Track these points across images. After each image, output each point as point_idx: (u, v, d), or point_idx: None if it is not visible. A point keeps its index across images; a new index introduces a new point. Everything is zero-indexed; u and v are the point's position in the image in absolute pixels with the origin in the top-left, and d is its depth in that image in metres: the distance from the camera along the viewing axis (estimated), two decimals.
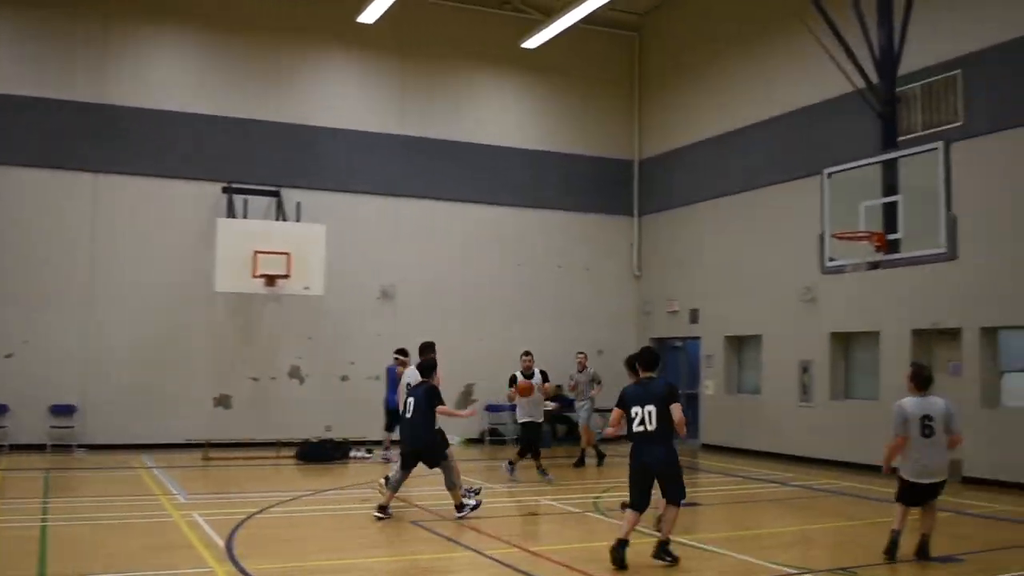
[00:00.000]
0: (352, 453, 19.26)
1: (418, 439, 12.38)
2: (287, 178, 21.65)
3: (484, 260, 23.60)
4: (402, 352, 18.44)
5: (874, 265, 12.95)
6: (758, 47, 21.61)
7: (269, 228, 20.29)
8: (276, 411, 20.93)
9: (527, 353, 16.94)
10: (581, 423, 19.21)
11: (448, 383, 20.68)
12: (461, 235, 23.40)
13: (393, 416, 18.47)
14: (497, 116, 24.24)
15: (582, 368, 19.15)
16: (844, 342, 19.29)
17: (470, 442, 22.50)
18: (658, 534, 9.65)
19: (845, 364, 19.21)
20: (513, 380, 16.47)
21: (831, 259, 13.21)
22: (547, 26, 21.60)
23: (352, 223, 21.99)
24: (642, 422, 9.45)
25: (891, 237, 12.24)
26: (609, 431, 10.21)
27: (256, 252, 19.20)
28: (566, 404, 22.89)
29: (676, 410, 9.45)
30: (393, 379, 18.74)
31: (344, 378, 21.75)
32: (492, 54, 24.11)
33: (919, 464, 9.75)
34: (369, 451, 19.57)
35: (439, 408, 12.36)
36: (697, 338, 23.28)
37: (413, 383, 13.09)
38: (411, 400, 12.49)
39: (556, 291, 24.34)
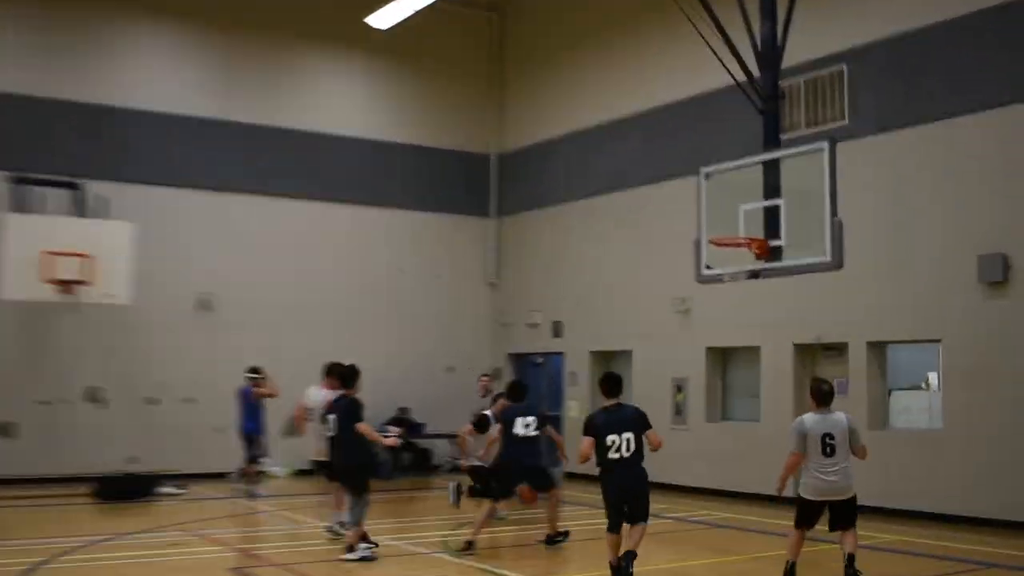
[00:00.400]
0: (160, 489, 18.62)
1: (352, 456, 12.40)
2: (90, 168, 20.74)
3: (320, 264, 23.20)
4: (255, 371, 18.34)
5: (754, 274, 13.20)
6: (631, 34, 21.95)
7: (66, 226, 19.37)
8: (70, 440, 20.04)
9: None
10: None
11: (274, 404, 20.23)
12: (294, 236, 22.94)
13: (252, 444, 18.20)
14: (338, 102, 23.98)
15: (486, 392, 18.53)
16: (722, 358, 19.76)
17: (300, 473, 21.98)
18: None
19: (723, 382, 19.66)
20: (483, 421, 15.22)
21: (707, 267, 13.39)
22: (395, 1, 21.23)
23: (167, 222, 21.31)
24: (618, 449, 10.43)
25: (773, 244, 12.45)
26: (582, 460, 10.73)
27: (48, 253, 18.38)
28: (411, 430, 22.79)
29: (654, 436, 10.71)
30: (249, 403, 18.55)
31: (152, 401, 21.00)
32: (333, 32, 23.83)
33: (819, 482, 10.13)
34: (181, 487, 18.98)
35: (360, 427, 12.17)
36: (560, 353, 23.45)
37: (316, 402, 13.10)
38: (331, 417, 12.37)
39: (402, 300, 24.14)
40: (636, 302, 21.23)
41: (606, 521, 10.68)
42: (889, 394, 17.14)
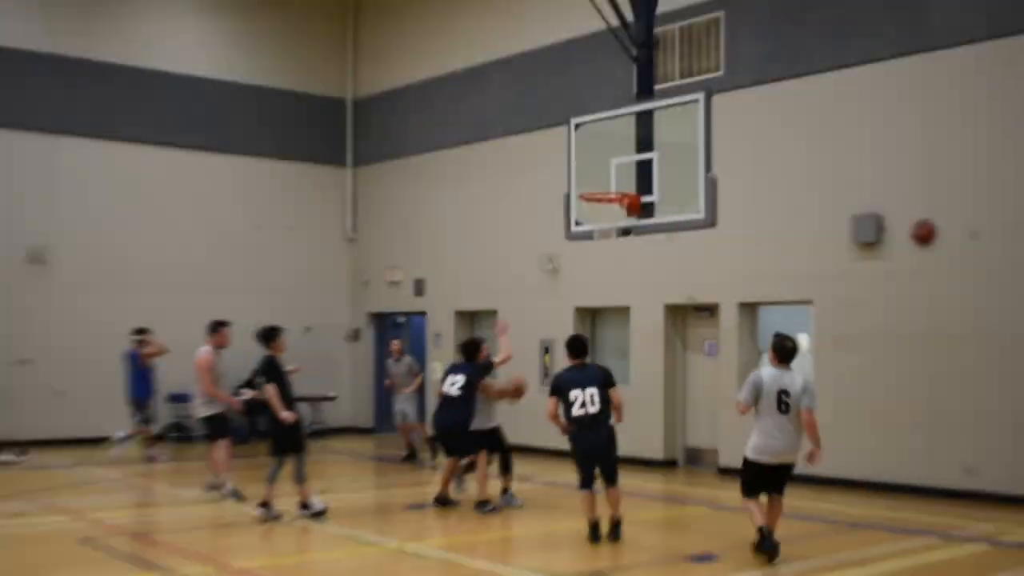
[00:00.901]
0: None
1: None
2: None
3: (162, 215, 22.92)
4: (140, 331, 19.03)
5: (625, 231, 13.52)
6: None
7: None
8: None
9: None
10: (400, 420, 19.60)
11: (119, 367, 20.22)
12: (133, 184, 22.62)
13: (142, 408, 18.75)
14: (175, 37, 23.51)
15: (399, 357, 19.51)
16: (591, 318, 20.34)
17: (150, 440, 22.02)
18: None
19: (593, 343, 20.15)
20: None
21: (577, 223, 13.56)
22: None
23: None
24: (583, 404, 11.31)
25: (645, 200, 12.71)
26: (559, 423, 11.59)
27: None
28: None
29: (616, 393, 11.54)
30: (137, 366, 18.91)
31: None
32: None
33: (769, 440, 10.62)
34: (20, 453, 18.85)
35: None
36: (423, 313, 23.78)
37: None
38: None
39: (256, 254, 24.06)
40: (502, 260, 21.63)
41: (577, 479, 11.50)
42: (760, 355, 17.89)
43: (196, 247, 23.33)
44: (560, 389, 11.57)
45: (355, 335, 25.01)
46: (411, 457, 19.42)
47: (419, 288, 23.79)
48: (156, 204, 22.91)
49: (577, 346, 11.91)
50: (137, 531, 12.03)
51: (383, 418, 23.95)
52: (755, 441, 10.69)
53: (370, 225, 25.36)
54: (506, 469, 13.97)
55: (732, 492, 14.73)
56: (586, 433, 11.41)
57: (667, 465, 18.57)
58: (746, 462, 10.83)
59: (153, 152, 22.98)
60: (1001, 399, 14.46)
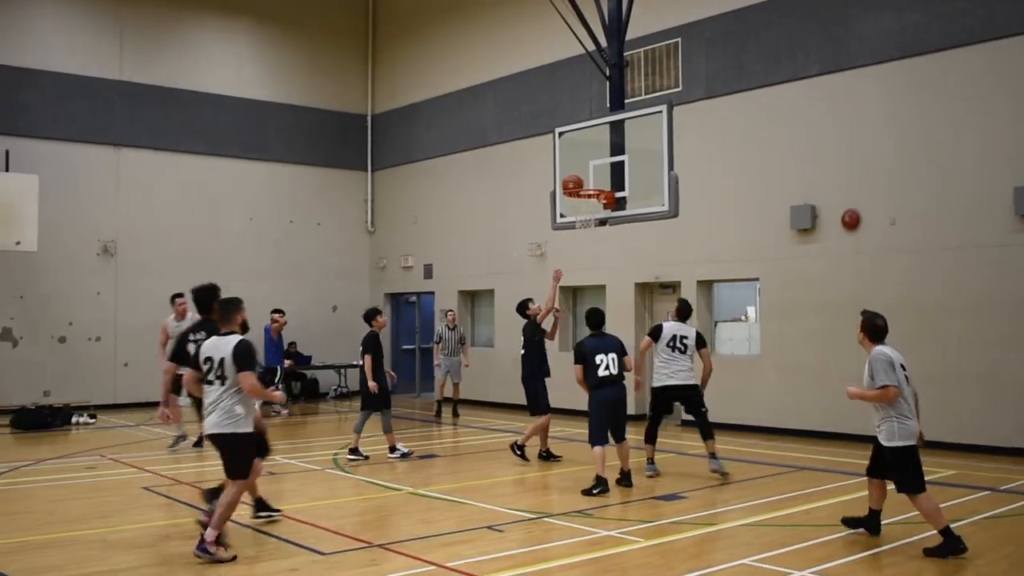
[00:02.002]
0: (74, 419, 18.24)
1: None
2: None
3: (211, 215, 22.83)
4: (279, 312, 19.92)
5: (602, 222, 13.42)
6: (492, 7, 22.05)
7: None
8: None
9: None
10: (442, 378, 19.54)
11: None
12: (186, 188, 22.48)
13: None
14: (223, 64, 23.42)
15: (453, 326, 19.46)
16: (573, 295, 20.21)
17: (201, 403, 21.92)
18: None
19: (573, 316, 20.12)
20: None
21: (561, 215, 13.47)
22: None
23: (68, 174, 20.68)
24: (607, 367, 11.27)
25: (619, 195, 12.70)
26: (585, 386, 11.44)
27: None
28: (300, 362, 22.82)
29: (628, 360, 11.56)
30: (270, 339, 19.73)
31: (62, 339, 20.52)
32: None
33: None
34: (93, 416, 18.67)
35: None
36: (431, 293, 23.66)
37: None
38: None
39: (287, 247, 23.98)
40: (497, 247, 21.54)
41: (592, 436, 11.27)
42: (715, 325, 17.82)
43: (239, 240, 23.19)
44: (585, 355, 11.40)
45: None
46: (438, 414, 19.52)
47: (428, 272, 23.68)
48: (205, 205, 22.76)
49: (596, 318, 11.78)
50: (189, 481, 11.82)
51: (402, 381, 23.78)
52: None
53: (386, 220, 25.19)
54: (706, 435, 12.23)
55: (694, 441, 14.64)
56: (608, 390, 11.28)
57: (638, 418, 18.38)
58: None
59: (202, 161, 22.79)
60: (914, 358, 14.29)
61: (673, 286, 18.06)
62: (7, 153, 19.63)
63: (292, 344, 22.79)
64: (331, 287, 24.17)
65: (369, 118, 25.58)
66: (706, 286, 17.63)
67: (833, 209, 15.51)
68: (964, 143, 14.12)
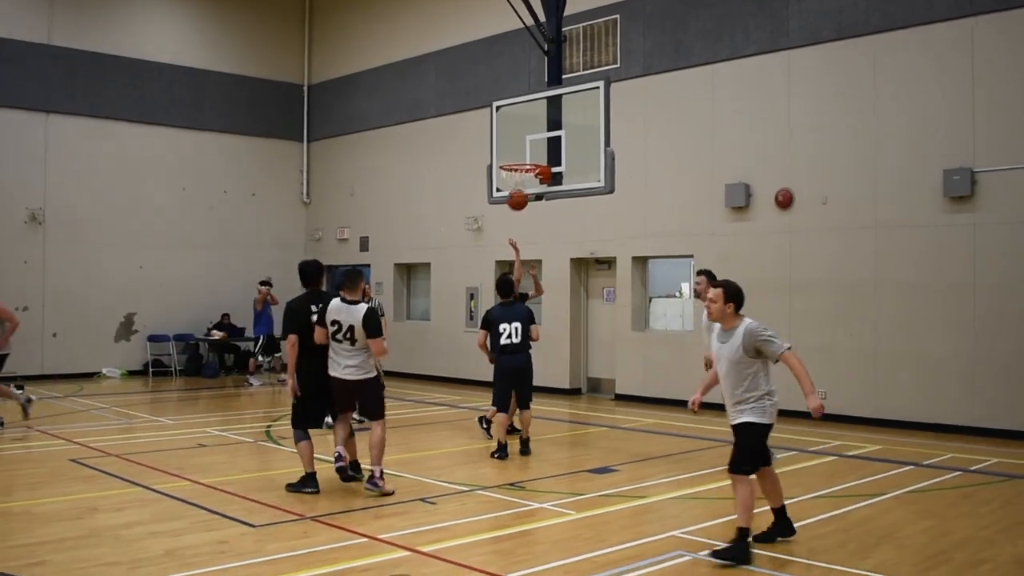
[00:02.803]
0: None
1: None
2: None
3: (144, 183, 22.41)
4: (265, 283, 19.91)
5: (539, 197, 13.45)
6: None
7: None
8: None
9: None
10: None
11: (107, 312, 20.13)
12: (118, 156, 22.05)
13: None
14: (157, 30, 22.95)
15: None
16: (509, 269, 20.18)
17: (131, 374, 21.61)
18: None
19: None
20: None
21: (498, 190, 13.44)
22: None
23: None
24: (510, 336, 11.49)
25: (555, 170, 12.69)
26: (486, 351, 11.81)
27: None
28: (232, 333, 22.59)
29: (535, 329, 11.71)
30: (254, 308, 20.19)
31: None
32: None
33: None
34: (20, 387, 18.21)
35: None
36: (367, 265, 23.50)
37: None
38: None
39: (222, 217, 23.67)
40: (434, 220, 21.45)
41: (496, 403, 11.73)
42: (650, 301, 17.95)
43: (172, 210, 22.82)
44: (490, 323, 11.66)
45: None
46: None
47: (364, 244, 23.54)
48: (137, 173, 22.33)
49: (506, 287, 11.94)
50: (116, 452, 11.65)
51: None
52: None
53: (322, 191, 24.95)
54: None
55: (627, 415, 14.79)
56: (509, 358, 11.54)
57: (572, 393, 18.56)
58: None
59: (135, 128, 22.35)
60: (846, 335, 14.62)
61: (608, 262, 18.15)
62: None
63: (225, 315, 22.53)
64: (265, 259, 23.84)
65: (306, 88, 25.26)
66: (641, 263, 17.74)
67: (767, 188, 15.66)
68: (896, 125, 14.33)
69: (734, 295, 7.30)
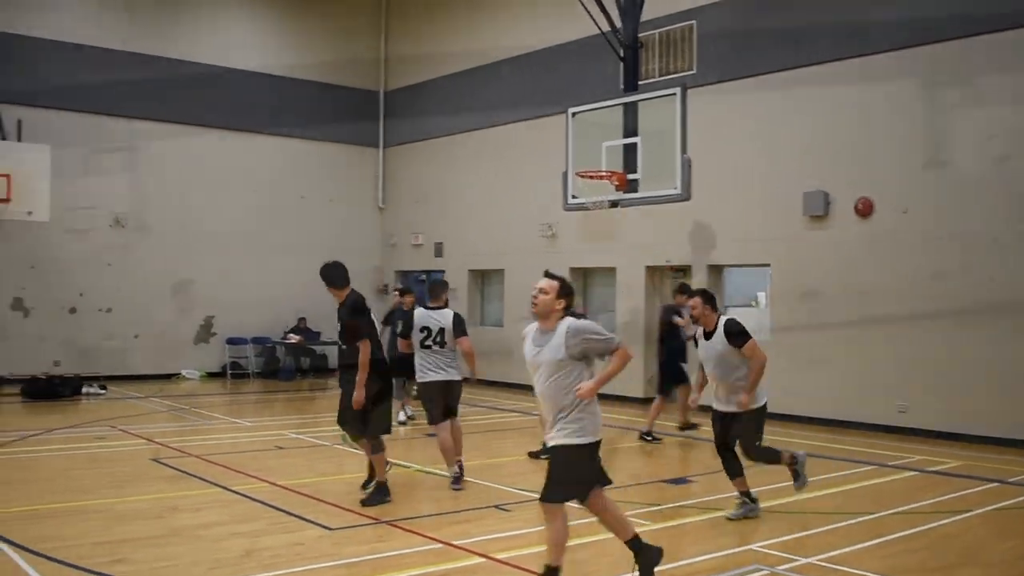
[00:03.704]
0: (84, 389, 18.32)
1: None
2: (2, 93, 19.78)
3: (224, 188, 22.82)
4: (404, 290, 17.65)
5: (614, 204, 13.46)
6: None
7: None
8: None
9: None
10: None
11: (187, 315, 20.47)
12: (199, 162, 22.48)
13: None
14: (238, 38, 23.36)
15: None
16: (583, 277, 20.15)
17: (210, 376, 22.00)
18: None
19: (584, 298, 20.07)
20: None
21: (573, 196, 13.50)
22: None
23: (81, 145, 20.58)
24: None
25: (631, 177, 12.71)
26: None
27: None
28: (309, 337, 22.85)
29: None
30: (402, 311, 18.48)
31: (72, 310, 20.56)
32: None
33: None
34: (103, 387, 18.71)
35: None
36: (442, 271, 23.58)
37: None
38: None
39: (299, 222, 23.91)
40: (508, 227, 21.44)
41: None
42: (726, 310, 17.70)
43: (250, 215, 23.15)
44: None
45: (384, 289, 24.84)
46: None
47: (438, 250, 23.64)
48: (217, 179, 22.74)
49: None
50: (196, 453, 11.84)
51: None
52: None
53: (398, 197, 25.14)
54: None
55: (703, 425, 14.65)
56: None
57: (647, 402, 18.38)
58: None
59: (216, 134, 22.75)
60: (926, 346, 14.28)
61: (684, 270, 17.98)
62: (19, 123, 19.68)
63: (302, 319, 22.81)
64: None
65: (382, 94, 25.49)
66: (716, 271, 17.55)
67: (846, 196, 15.39)
68: (973, 133, 13.95)
69: (569, 291, 6.59)
